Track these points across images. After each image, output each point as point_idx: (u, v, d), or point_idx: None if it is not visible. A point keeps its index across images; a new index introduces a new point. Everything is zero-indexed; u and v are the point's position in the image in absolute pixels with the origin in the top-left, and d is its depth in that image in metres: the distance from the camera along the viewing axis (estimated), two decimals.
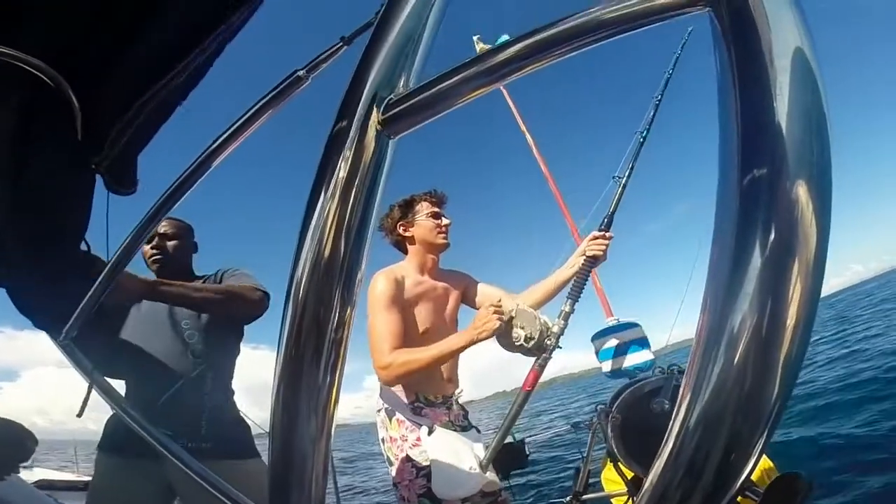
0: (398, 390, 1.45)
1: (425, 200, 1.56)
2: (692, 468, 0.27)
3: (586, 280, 1.46)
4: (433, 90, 0.37)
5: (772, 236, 0.25)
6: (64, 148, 0.80)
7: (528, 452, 1.54)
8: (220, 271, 1.59)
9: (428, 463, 1.31)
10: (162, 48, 0.76)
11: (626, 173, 1.61)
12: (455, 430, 1.43)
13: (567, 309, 1.44)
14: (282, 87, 0.61)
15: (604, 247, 1.48)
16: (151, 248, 1.51)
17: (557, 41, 0.33)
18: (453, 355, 1.37)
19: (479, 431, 1.50)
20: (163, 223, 1.53)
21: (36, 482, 3.12)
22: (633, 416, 1.40)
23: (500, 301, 1.33)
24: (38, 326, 0.84)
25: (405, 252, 1.56)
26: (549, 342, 1.35)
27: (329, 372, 0.39)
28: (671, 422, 0.29)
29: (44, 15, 0.66)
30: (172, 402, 1.34)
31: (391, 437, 1.41)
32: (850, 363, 6.97)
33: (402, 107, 0.38)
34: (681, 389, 0.28)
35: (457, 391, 1.54)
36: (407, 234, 1.53)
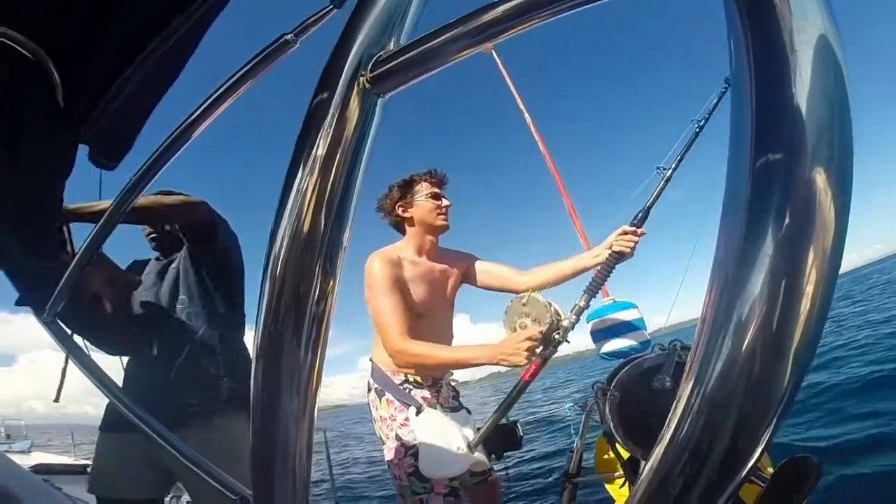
0: (388, 370, 1.45)
1: (425, 181, 1.52)
2: (696, 453, 0.26)
3: (608, 276, 1.40)
4: (423, 48, 0.34)
5: (787, 220, 0.24)
6: (47, 122, 0.77)
7: (520, 433, 1.55)
8: None
9: (415, 443, 1.33)
10: (145, 17, 0.74)
11: (673, 165, 1.48)
12: (444, 411, 1.44)
13: (582, 304, 1.38)
14: (268, 51, 0.57)
15: (633, 243, 1.39)
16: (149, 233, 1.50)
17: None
18: (467, 366, 1.36)
19: (469, 412, 1.51)
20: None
21: (33, 466, 3.15)
22: (633, 395, 1.32)
23: (540, 334, 1.27)
24: (27, 304, 0.82)
25: (403, 233, 1.54)
26: (557, 336, 1.32)
27: (310, 349, 0.37)
28: (674, 404, 0.27)
29: None
30: (186, 373, 1.33)
31: (381, 417, 1.43)
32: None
33: (390, 64, 0.35)
34: (685, 371, 0.27)
35: (447, 375, 1.54)
36: (406, 214, 1.51)
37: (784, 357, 0.24)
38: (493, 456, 1.53)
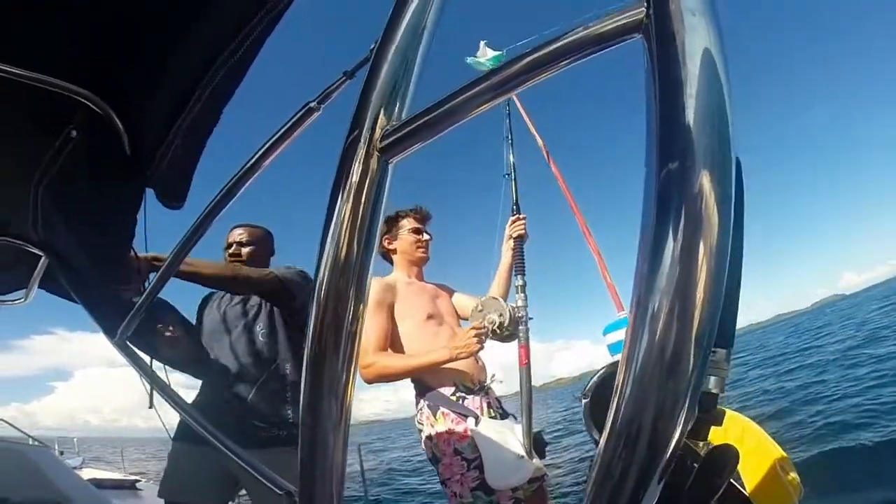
0: (436, 384, 1.46)
1: (409, 217, 1.68)
2: (628, 440, 0.31)
3: (523, 256, 1.65)
4: (423, 120, 0.43)
5: (682, 224, 0.28)
6: (115, 166, 0.90)
7: (546, 441, 1.59)
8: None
9: (478, 454, 1.31)
10: (195, 65, 0.83)
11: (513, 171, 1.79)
12: (497, 418, 1.45)
13: (520, 283, 1.55)
14: (296, 118, 0.68)
15: (522, 226, 1.66)
16: (229, 254, 1.65)
17: (520, 73, 0.39)
18: (431, 368, 1.43)
19: (515, 418, 1.51)
20: (240, 231, 1.69)
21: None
22: (600, 398, 1.38)
23: (481, 325, 1.41)
24: (99, 326, 0.95)
25: (391, 263, 1.69)
26: (520, 315, 1.45)
27: (346, 363, 0.45)
28: (613, 397, 0.32)
29: (82, 44, 0.74)
30: (259, 397, 1.48)
31: (437, 433, 1.39)
32: None
33: (396, 136, 0.45)
34: (619, 365, 0.31)
35: (489, 376, 1.57)
36: (391, 246, 1.66)
37: (686, 346, 0.29)
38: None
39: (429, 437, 1.42)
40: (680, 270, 0.28)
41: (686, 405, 0.30)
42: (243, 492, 1.60)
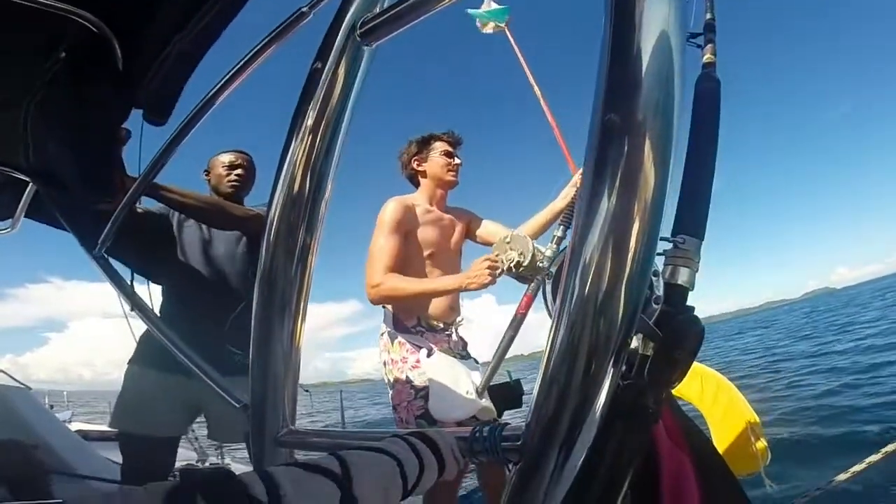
0: (401, 313, 1.51)
1: (441, 140, 1.66)
2: (578, 323, 0.33)
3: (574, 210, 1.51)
4: (401, 6, 0.43)
5: (617, 181, 0.30)
6: (105, 84, 0.89)
7: (523, 391, 1.59)
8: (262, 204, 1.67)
9: (426, 384, 1.38)
10: None
11: None
12: (454, 357, 1.49)
13: (559, 234, 1.49)
14: (288, 22, 0.67)
15: None
16: (236, 174, 1.62)
17: None
18: (441, 294, 1.46)
19: (477, 362, 1.56)
20: (242, 156, 1.67)
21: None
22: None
23: (496, 256, 1.36)
24: (80, 240, 0.94)
25: (417, 185, 1.67)
26: (541, 264, 1.36)
27: (296, 291, 0.47)
28: (547, 337, 0.34)
29: None
30: (240, 322, 1.42)
31: (392, 359, 1.47)
32: None
33: (375, 21, 0.44)
34: (565, 256, 0.34)
35: (458, 319, 1.60)
36: (420, 168, 1.64)
37: (616, 299, 0.32)
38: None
39: (384, 363, 1.50)
40: (619, 221, 0.30)
41: (612, 358, 0.34)
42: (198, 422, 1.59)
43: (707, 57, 0.88)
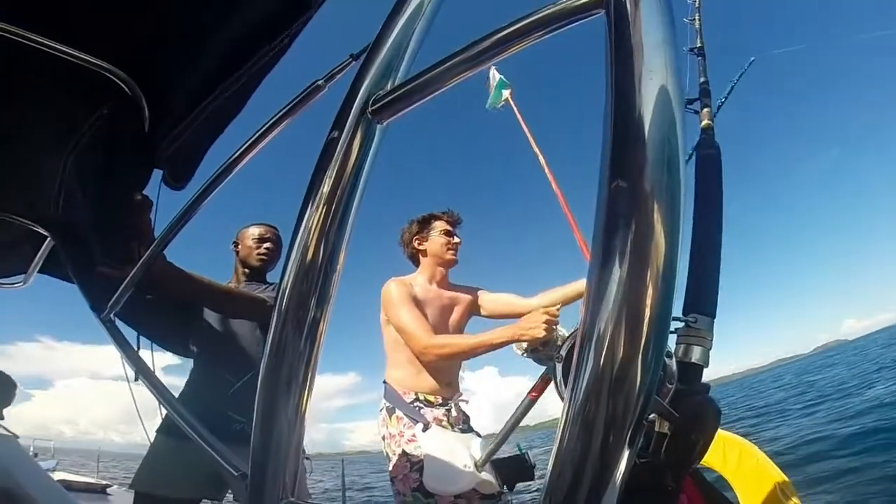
0: (400, 389, 1.53)
1: (441, 219, 1.72)
2: (592, 404, 0.30)
3: None
4: (411, 85, 0.46)
5: (629, 246, 0.28)
6: (131, 144, 0.92)
7: (532, 463, 1.53)
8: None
9: (421, 458, 1.37)
10: (223, 56, 0.88)
11: None
12: (453, 430, 1.49)
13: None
14: (304, 94, 0.71)
15: None
16: (266, 248, 1.66)
17: (494, 46, 0.41)
18: (492, 348, 1.42)
19: (479, 436, 1.52)
20: (271, 230, 1.71)
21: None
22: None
23: (557, 309, 1.32)
24: (91, 303, 0.94)
25: (417, 264, 1.71)
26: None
27: (304, 362, 0.45)
28: (560, 418, 0.32)
29: (117, 25, 0.78)
30: (247, 390, 1.41)
31: (390, 434, 1.49)
32: None
33: (387, 99, 0.47)
34: (577, 336, 0.32)
35: (457, 396, 1.59)
36: (420, 247, 1.70)
37: (633, 369, 0.29)
38: (505, 487, 1.52)
39: (383, 437, 1.53)
40: (631, 290, 0.28)
41: (633, 425, 0.30)
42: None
43: (705, 122, 0.92)
